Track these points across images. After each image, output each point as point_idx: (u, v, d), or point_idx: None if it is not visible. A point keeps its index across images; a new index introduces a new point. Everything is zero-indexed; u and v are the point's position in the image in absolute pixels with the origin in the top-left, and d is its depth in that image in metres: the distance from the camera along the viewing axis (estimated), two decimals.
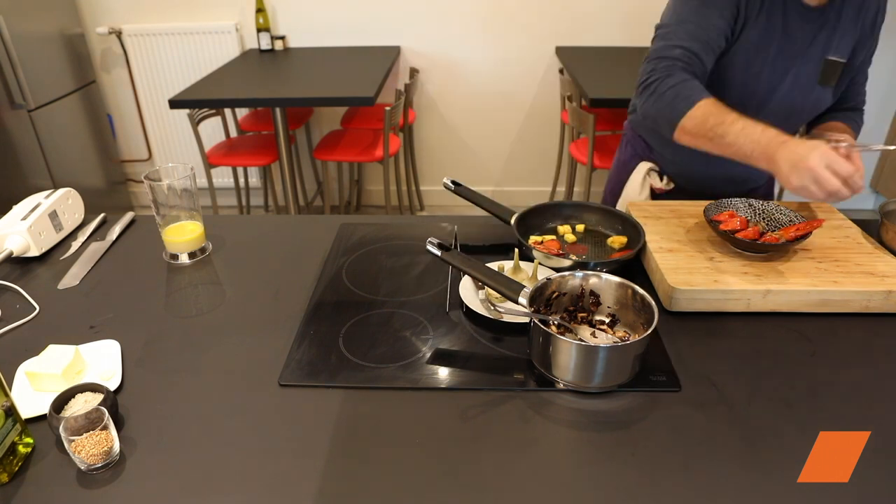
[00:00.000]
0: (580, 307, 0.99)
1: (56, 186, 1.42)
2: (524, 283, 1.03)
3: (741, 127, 1.06)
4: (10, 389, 0.88)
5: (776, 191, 1.55)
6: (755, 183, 1.44)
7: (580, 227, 1.28)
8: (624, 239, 1.22)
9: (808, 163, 0.95)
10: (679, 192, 1.44)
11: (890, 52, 3.09)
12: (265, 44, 3.18)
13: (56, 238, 1.27)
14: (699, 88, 1.13)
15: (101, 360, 0.93)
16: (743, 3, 1.17)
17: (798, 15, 1.19)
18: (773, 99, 1.25)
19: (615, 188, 1.55)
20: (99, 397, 0.81)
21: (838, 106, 1.36)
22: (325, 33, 3.23)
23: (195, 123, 2.78)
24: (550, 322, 0.95)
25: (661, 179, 1.44)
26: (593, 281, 0.99)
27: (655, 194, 1.47)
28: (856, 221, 1.25)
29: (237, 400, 0.86)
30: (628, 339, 0.95)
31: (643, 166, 1.45)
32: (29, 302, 1.09)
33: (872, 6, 1.23)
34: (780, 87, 1.25)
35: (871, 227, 1.22)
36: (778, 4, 1.18)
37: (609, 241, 1.23)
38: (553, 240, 1.23)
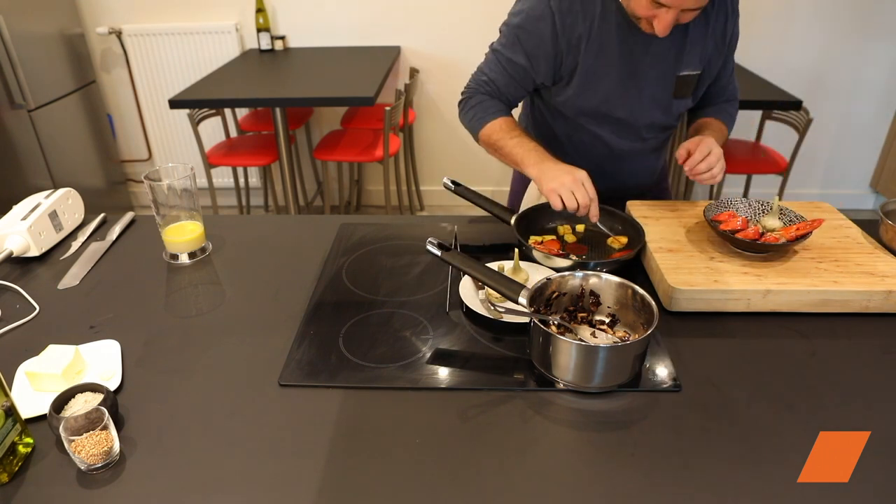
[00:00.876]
0: (580, 307, 0.99)
1: (56, 186, 1.42)
2: (524, 283, 1.04)
3: (516, 142, 1.25)
4: (10, 389, 0.88)
5: (675, 189, 1.57)
6: (644, 185, 1.47)
7: (580, 227, 1.28)
8: (624, 239, 1.22)
9: (564, 178, 1.14)
10: None
11: (889, 52, 3.09)
12: (265, 44, 3.18)
13: (56, 238, 1.27)
14: (493, 109, 1.30)
15: (101, 360, 0.93)
16: (563, 44, 1.21)
17: (638, 39, 1.21)
18: (633, 118, 1.30)
19: (519, 191, 1.57)
20: (99, 397, 0.81)
21: (711, 101, 1.40)
22: (325, 33, 3.23)
23: (195, 123, 2.78)
24: (550, 322, 0.95)
25: None
26: (593, 281, 0.99)
27: None
28: (856, 221, 1.25)
29: (237, 400, 0.86)
30: (628, 339, 0.95)
31: None
32: (29, 302, 1.09)
33: (721, 16, 1.24)
34: (636, 107, 1.29)
35: (871, 227, 1.22)
36: (609, 32, 1.20)
37: (609, 241, 1.23)
38: (553, 240, 1.23)
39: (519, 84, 1.30)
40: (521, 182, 1.57)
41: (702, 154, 1.19)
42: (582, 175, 1.15)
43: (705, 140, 1.21)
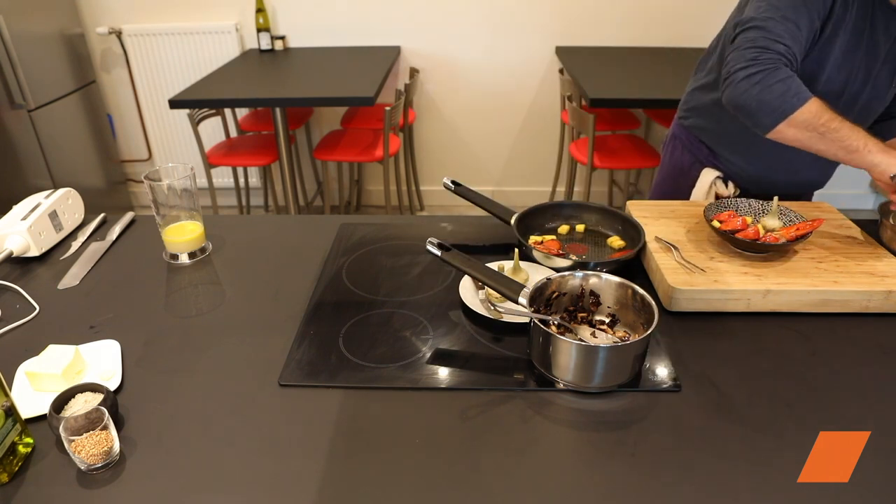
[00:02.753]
0: (580, 307, 0.99)
1: (56, 186, 1.42)
2: (524, 283, 1.04)
3: (850, 125, 1.10)
4: (10, 389, 0.88)
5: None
6: (812, 188, 1.44)
7: (580, 227, 1.28)
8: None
9: None
10: (743, 196, 1.40)
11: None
12: (265, 44, 3.18)
13: (56, 238, 1.27)
14: (805, 87, 1.13)
15: (101, 360, 0.93)
16: (837, 5, 1.14)
17: (883, 16, 1.17)
18: (859, 100, 1.25)
19: (670, 195, 1.52)
20: (99, 397, 0.81)
21: None
22: (325, 33, 3.23)
23: (195, 123, 2.78)
24: (550, 322, 0.95)
25: (727, 185, 1.42)
26: (593, 281, 0.99)
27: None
28: (856, 221, 1.25)
29: (237, 400, 0.86)
30: (628, 339, 0.95)
31: (709, 174, 1.42)
32: (29, 302, 1.09)
33: None
34: (864, 89, 1.24)
35: (871, 227, 1.22)
36: (865, 4, 1.16)
37: (609, 241, 1.23)
38: (553, 240, 1.23)
39: (804, 54, 1.17)
40: (672, 187, 1.50)
41: None
42: None
43: None
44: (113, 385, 0.87)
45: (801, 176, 1.38)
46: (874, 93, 1.25)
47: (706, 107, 1.41)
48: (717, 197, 1.43)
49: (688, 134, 1.49)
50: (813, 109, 1.11)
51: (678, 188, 1.50)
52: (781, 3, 1.14)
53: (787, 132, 1.13)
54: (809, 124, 1.11)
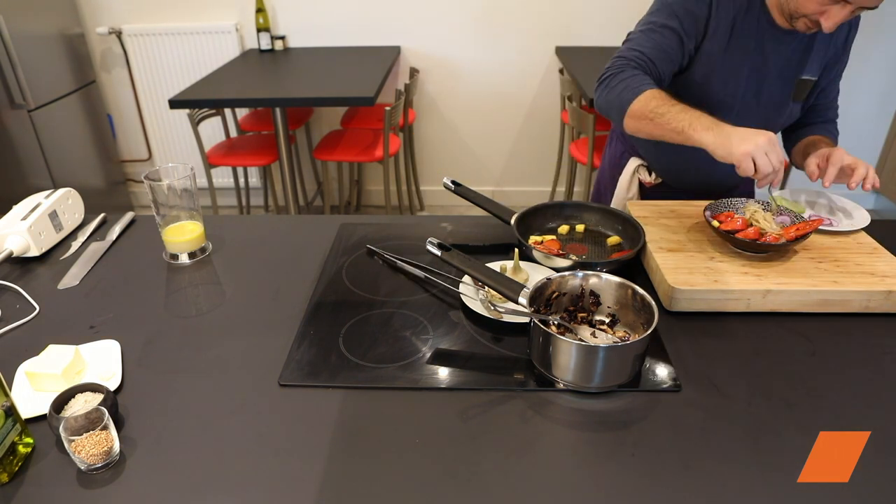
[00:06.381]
0: (580, 307, 0.99)
1: (56, 186, 1.42)
2: (524, 283, 1.04)
3: (680, 108, 1.13)
4: (10, 389, 0.88)
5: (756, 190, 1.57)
6: (734, 181, 1.47)
7: (580, 227, 1.28)
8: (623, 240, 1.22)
9: (759, 139, 1.04)
10: (665, 187, 1.46)
11: (888, 52, 3.09)
12: (265, 44, 3.18)
13: (56, 238, 1.27)
14: (648, 81, 1.19)
15: (101, 360, 0.93)
16: (712, 26, 1.21)
17: (771, 37, 1.22)
18: (748, 116, 1.29)
19: (607, 185, 1.57)
20: (99, 397, 0.81)
21: (814, 119, 1.39)
22: (325, 33, 3.23)
23: (195, 123, 2.78)
24: (550, 322, 0.95)
25: (650, 174, 1.46)
26: (593, 281, 0.99)
27: (644, 191, 1.49)
28: None
29: (237, 400, 0.86)
30: (628, 339, 0.95)
31: (633, 162, 1.48)
32: (29, 302, 1.09)
33: (845, 24, 1.23)
34: (754, 105, 1.28)
35: (872, 227, 1.22)
36: (751, 26, 1.21)
37: (609, 241, 1.23)
38: (553, 240, 1.23)
39: (671, 59, 1.22)
40: (609, 177, 1.56)
41: (857, 167, 1.19)
42: (773, 136, 1.05)
43: (837, 151, 1.20)
44: (113, 385, 0.87)
45: (715, 176, 1.41)
46: (769, 106, 1.29)
47: None
48: (641, 185, 1.48)
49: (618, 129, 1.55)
50: (643, 99, 1.16)
51: (614, 178, 1.54)
52: (652, 17, 1.23)
53: (630, 124, 1.19)
54: (641, 113, 1.16)
